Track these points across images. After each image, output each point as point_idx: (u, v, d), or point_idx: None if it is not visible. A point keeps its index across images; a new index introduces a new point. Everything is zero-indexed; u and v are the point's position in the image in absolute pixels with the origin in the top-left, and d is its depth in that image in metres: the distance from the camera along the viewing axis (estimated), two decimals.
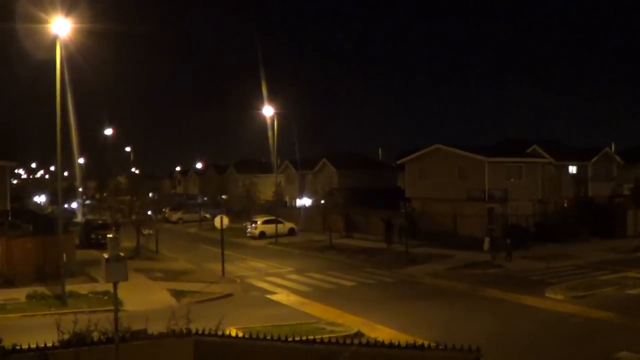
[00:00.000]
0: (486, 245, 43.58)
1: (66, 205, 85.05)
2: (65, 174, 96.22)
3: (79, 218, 77.35)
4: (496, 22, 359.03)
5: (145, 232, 50.36)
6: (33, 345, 12.65)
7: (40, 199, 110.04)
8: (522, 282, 35.33)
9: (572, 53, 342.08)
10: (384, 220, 55.04)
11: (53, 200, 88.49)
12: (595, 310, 27.42)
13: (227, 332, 14.80)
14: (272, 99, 64.97)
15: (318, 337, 16.29)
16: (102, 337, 13.62)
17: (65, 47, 29.73)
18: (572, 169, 60.80)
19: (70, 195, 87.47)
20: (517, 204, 53.04)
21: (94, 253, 42.76)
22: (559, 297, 30.66)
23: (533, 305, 28.98)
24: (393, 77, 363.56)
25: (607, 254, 44.82)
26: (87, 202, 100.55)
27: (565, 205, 58.75)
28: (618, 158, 64.41)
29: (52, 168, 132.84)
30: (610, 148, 66.37)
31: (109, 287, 18.39)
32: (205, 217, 79.75)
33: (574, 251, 45.61)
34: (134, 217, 49.53)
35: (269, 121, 64.79)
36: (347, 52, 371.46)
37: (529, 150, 59.48)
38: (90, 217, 68.70)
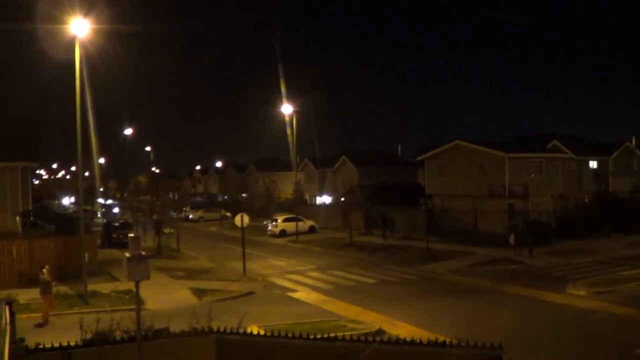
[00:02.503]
0: (512, 239, 43.40)
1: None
2: (86, 174, 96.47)
3: (100, 218, 77.76)
4: (512, 18, 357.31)
5: (166, 231, 50.55)
6: (56, 345, 12.75)
7: (68, 200, 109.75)
8: (543, 278, 35.18)
9: (590, 46, 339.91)
10: (382, 215, 56.77)
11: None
12: (616, 306, 27.24)
13: (249, 330, 14.84)
14: (291, 97, 65.21)
15: (339, 334, 16.29)
16: (124, 336, 13.72)
17: (84, 47, 29.89)
18: (593, 164, 60.30)
19: (92, 196, 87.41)
20: (538, 200, 52.68)
21: (115, 252, 43.03)
22: (581, 293, 30.46)
23: (554, 302, 28.83)
24: (412, 74, 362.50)
25: (629, 249, 44.44)
26: (110, 202, 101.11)
27: (586, 200, 58.31)
28: (639, 152, 63.85)
29: (73, 168, 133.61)
30: (631, 142, 65.71)
31: (131, 286, 18.52)
32: (226, 215, 79.91)
33: (595, 247, 45.35)
34: (154, 216, 49.79)
35: (288, 119, 64.86)
36: (366, 49, 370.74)
37: (549, 146, 59.05)
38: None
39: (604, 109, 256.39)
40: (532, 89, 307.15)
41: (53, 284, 27.93)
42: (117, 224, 57.27)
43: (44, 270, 27.44)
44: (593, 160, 60.28)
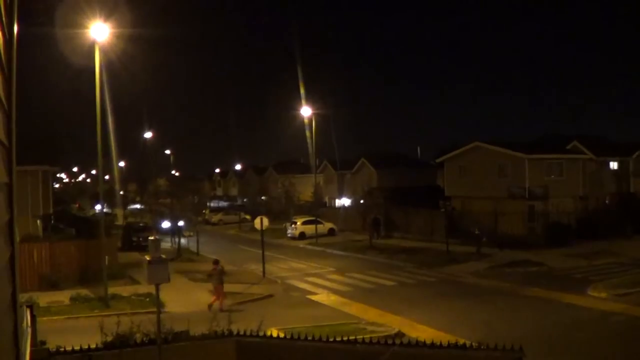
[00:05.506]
0: None
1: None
2: (107, 177, 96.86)
3: (120, 221, 78.03)
4: (527, 17, 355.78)
5: (186, 234, 50.71)
6: (77, 347, 12.82)
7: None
8: (564, 280, 34.94)
9: (609, 45, 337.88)
10: (373, 217, 57.18)
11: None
12: (639, 309, 27.02)
13: (269, 333, 14.87)
14: (310, 100, 65.07)
15: (359, 337, 16.27)
16: (144, 339, 13.78)
17: (104, 51, 30.05)
18: (614, 165, 59.93)
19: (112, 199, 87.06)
20: (558, 201, 52.46)
21: (135, 255, 43.20)
22: (602, 295, 30.22)
23: (575, 304, 28.63)
24: (430, 76, 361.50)
25: None
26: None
27: (607, 201, 57.99)
28: None
29: (94, 172, 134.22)
30: None
31: (151, 289, 18.56)
32: (245, 218, 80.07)
33: (617, 248, 44.93)
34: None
35: (307, 121, 64.93)
36: (384, 51, 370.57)
37: (569, 147, 58.75)
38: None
39: (624, 109, 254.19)
40: (551, 90, 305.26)
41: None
42: (137, 227, 57.56)
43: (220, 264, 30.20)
44: (613, 161, 59.91)
